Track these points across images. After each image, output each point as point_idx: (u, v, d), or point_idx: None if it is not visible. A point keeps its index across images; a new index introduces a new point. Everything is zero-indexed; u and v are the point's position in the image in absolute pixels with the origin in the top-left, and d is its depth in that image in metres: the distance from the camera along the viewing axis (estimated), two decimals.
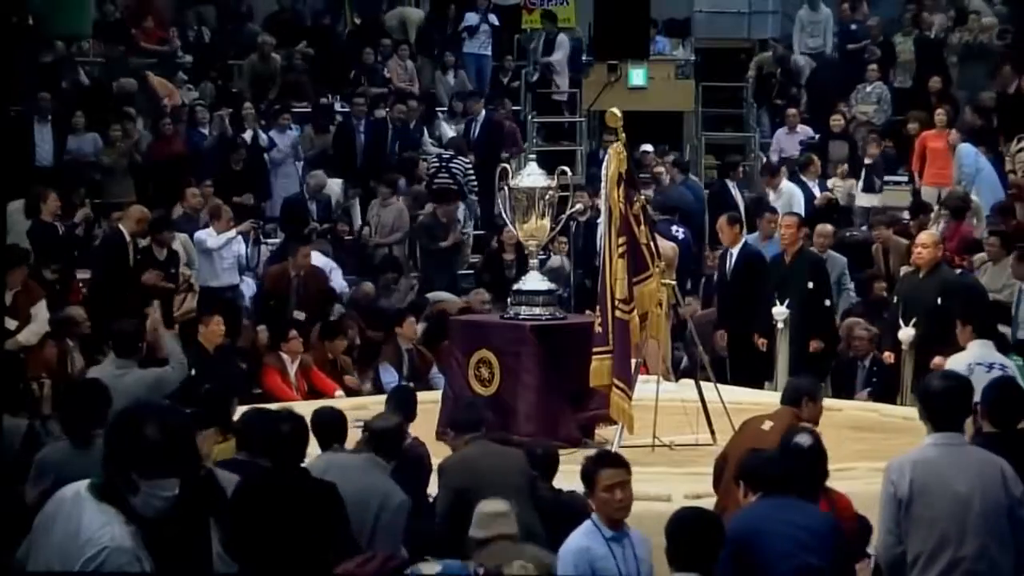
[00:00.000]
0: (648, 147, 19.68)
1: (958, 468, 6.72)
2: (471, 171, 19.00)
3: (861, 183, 18.95)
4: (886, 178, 19.17)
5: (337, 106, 20.62)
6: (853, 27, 22.44)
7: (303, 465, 7.43)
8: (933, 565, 6.65)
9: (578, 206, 14.24)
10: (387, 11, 22.56)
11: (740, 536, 6.71)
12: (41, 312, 13.04)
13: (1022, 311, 13.90)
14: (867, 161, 19.08)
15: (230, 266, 16.05)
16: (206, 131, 19.08)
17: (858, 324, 14.33)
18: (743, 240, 14.33)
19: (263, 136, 19.01)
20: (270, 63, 20.45)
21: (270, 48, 20.49)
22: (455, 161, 19.15)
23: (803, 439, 7.42)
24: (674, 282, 11.04)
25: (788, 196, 17.33)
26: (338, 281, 16.48)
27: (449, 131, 20.26)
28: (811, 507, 7.07)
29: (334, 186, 18.73)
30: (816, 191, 18.35)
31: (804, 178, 18.47)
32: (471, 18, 21.95)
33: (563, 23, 22.23)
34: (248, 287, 16.43)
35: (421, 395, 13.09)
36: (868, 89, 21.16)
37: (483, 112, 20.04)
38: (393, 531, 7.69)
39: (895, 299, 13.36)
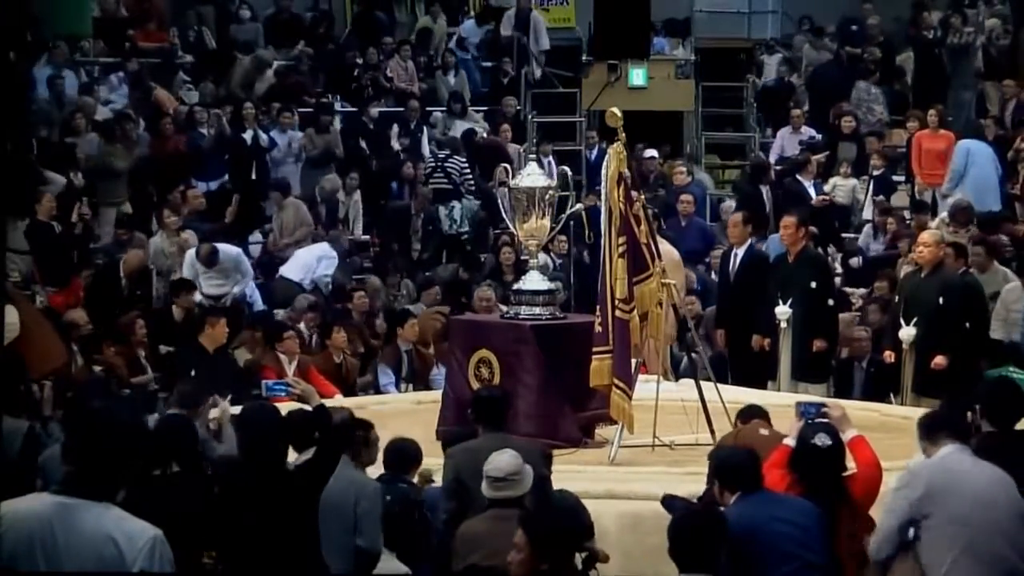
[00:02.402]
0: (653, 152, 19.69)
1: (977, 470, 6.71)
2: (467, 170, 19.00)
3: (871, 189, 18.93)
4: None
5: (337, 105, 20.63)
6: (854, 28, 22.48)
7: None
8: (965, 559, 6.63)
9: (578, 206, 14.21)
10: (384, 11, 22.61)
11: (738, 534, 6.70)
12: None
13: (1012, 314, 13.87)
14: (875, 172, 19.07)
15: None
16: (205, 131, 19.07)
17: (856, 325, 14.33)
18: (750, 241, 14.33)
19: (263, 136, 19.01)
20: (258, 66, 20.47)
21: (257, 58, 20.53)
22: (451, 160, 19.16)
23: (821, 439, 7.37)
24: (674, 282, 11.01)
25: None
26: (321, 272, 16.52)
27: (457, 131, 20.31)
28: (797, 500, 7.08)
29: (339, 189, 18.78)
30: (812, 191, 18.32)
31: (801, 178, 18.48)
32: (468, 29, 22.01)
33: (563, 23, 22.24)
34: (249, 288, 16.42)
35: (421, 395, 13.26)
36: (866, 89, 21.18)
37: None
38: (373, 518, 7.91)
39: (896, 298, 13.36)
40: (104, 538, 4.70)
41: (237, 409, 10.25)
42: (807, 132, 20.59)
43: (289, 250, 17.50)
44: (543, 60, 22.01)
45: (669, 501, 7.35)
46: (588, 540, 8.19)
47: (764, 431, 8.55)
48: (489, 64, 21.95)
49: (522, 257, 16.42)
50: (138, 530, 4.75)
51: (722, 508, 7.00)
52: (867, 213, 18.52)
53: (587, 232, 15.78)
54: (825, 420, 7.76)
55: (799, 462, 7.36)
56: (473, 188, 18.96)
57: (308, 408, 8.23)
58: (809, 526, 6.96)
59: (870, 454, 7.69)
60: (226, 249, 15.94)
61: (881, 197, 18.59)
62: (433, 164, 19.22)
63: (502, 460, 7.48)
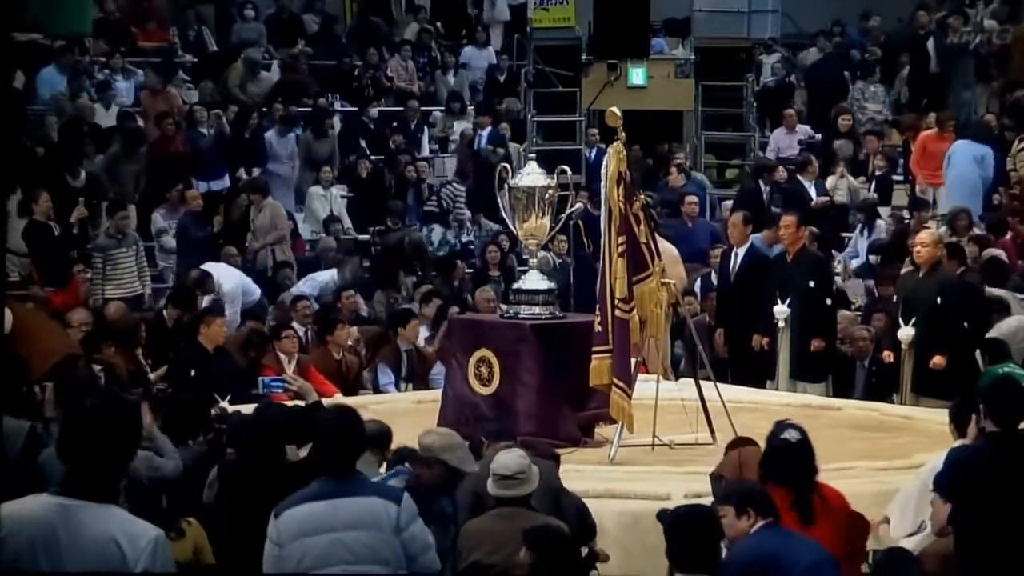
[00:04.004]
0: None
1: None
2: (461, 198, 18.87)
3: (873, 188, 18.95)
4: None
5: (337, 105, 20.64)
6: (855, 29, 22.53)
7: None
8: None
9: (578, 205, 14.29)
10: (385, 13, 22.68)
11: (752, 562, 6.67)
12: None
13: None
14: (877, 172, 19.08)
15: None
16: (205, 131, 19.06)
17: (857, 325, 14.34)
18: (750, 241, 14.33)
19: (269, 140, 19.02)
20: (251, 67, 20.47)
21: (248, 60, 20.53)
22: (447, 187, 19.12)
23: (791, 434, 7.39)
24: (673, 281, 11.01)
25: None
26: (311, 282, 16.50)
27: (456, 133, 20.37)
28: (811, 540, 7.07)
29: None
30: (813, 192, 18.28)
31: (801, 179, 18.46)
32: (468, 53, 22.08)
33: (563, 23, 22.25)
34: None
35: (421, 395, 13.25)
36: (870, 89, 21.20)
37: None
38: None
39: (895, 298, 13.36)
40: (107, 540, 4.71)
41: (235, 409, 10.33)
42: (804, 131, 20.62)
43: (262, 254, 17.25)
44: (501, 31, 22.15)
45: (664, 517, 7.35)
46: (590, 540, 8.22)
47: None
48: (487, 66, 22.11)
49: (523, 256, 16.46)
50: (140, 531, 4.76)
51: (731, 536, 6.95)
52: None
53: (586, 242, 15.85)
54: (792, 420, 7.79)
55: (770, 459, 7.34)
56: (462, 217, 18.86)
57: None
58: (822, 562, 6.90)
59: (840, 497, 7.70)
60: (228, 275, 15.76)
61: (875, 195, 18.63)
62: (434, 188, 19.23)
63: (509, 459, 7.50)
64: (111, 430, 4.82)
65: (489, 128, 20.27)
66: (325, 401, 9.78)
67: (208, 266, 15.65)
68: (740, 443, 8.66)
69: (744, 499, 7.05)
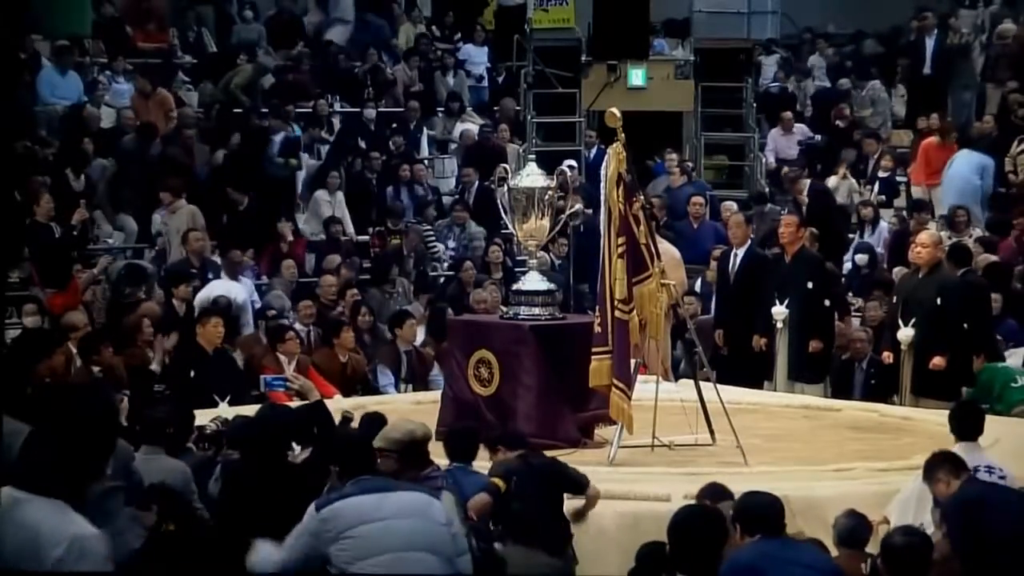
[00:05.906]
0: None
1: None
2: (431, 237, 18.60)
3: (876, 190, 18.97)
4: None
5: (337, 105, 20.65)
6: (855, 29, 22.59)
7: None
8: None
9: (577, 206, 14.29)
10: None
11: (746, 571, 6.62)
12: None
13: None
14: (881, 174, 19.10)
15: None
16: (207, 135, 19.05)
17: (855, 326, 14.34)
18: (749, 242, 14.32)
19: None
20: (262, 71, 20.46)
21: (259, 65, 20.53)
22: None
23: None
24: (673, 282, 11.00)
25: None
26: None
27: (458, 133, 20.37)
28: (812, 547, 7.01)
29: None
30: (839, 196, 18.15)
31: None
32: (468, 51, 22.09)
33: (562, 23, 22.25)
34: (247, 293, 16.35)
35: (420, 395, 13.25)
36: (866, 94, 21.25)
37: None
38: None
39: (894, 299, 13.35)
40: (29, 531, 4.70)
41: (236, 411, 10.34)
42: (801, 131, 20.64)
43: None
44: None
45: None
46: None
47: None
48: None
49: (519, 257, 16.43)
50: (64, 525, 4.72)
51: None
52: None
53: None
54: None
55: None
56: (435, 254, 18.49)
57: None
58: (823, 569, 6.83)
59: None
60: (238, 290, 15.60)
61: (883, 196, 18.63)
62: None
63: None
64: (79, 428, 4.83)
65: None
66: (326, 402, 9.80)
67: (216, 285, 15.45)
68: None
69: (745, 520, 6.90)
